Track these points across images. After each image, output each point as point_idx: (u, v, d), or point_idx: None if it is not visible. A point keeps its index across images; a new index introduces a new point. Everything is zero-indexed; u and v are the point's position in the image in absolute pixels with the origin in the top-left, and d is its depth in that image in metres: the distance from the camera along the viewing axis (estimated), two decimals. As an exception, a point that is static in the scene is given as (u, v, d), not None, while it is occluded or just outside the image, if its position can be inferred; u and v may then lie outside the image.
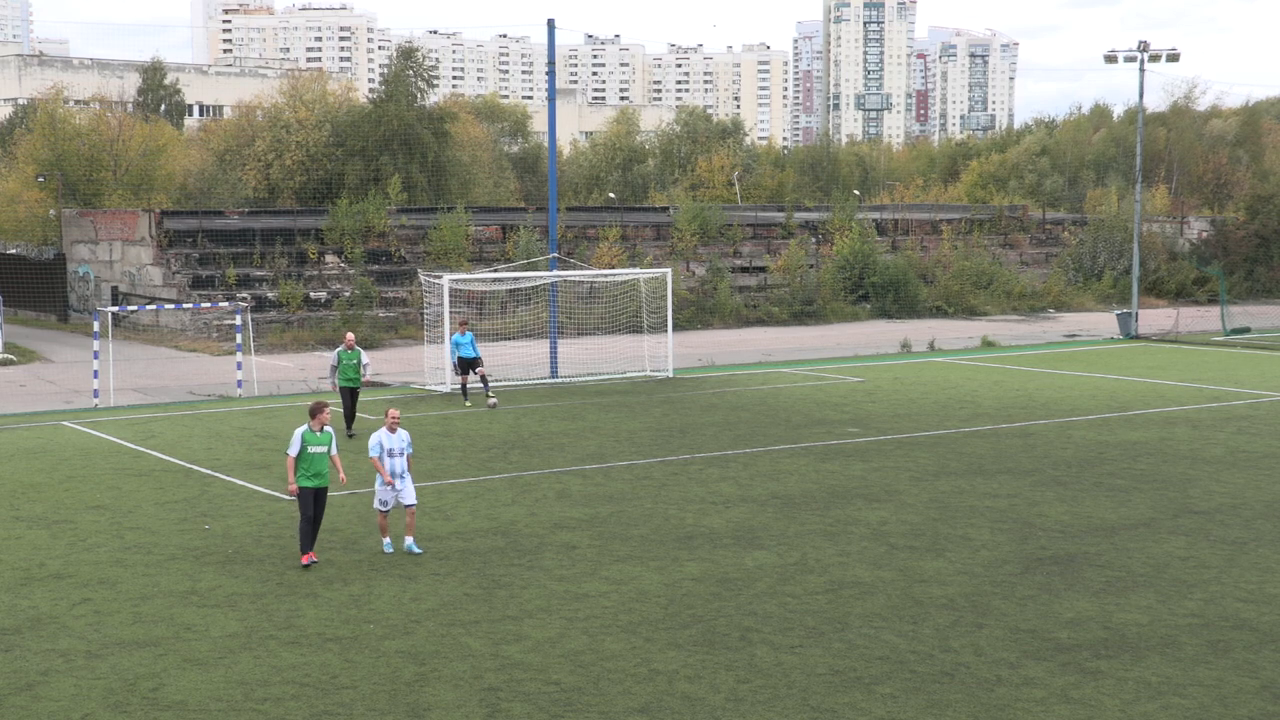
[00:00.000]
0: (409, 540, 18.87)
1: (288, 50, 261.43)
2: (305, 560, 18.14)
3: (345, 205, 56.72)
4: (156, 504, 22.36)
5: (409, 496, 18.89)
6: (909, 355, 46.11)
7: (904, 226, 71.12)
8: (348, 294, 52.49)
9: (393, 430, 18.90)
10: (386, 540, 19.05)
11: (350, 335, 30.05)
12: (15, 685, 13.84)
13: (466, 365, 33.95)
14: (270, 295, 52.01)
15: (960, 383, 38.11)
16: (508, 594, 16.96)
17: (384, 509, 18.95)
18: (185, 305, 46.13)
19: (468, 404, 33.81)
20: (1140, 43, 53.56)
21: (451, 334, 35.12)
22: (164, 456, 26.81)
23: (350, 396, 29.11)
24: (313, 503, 18.20)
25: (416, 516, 19.37)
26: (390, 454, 18.81)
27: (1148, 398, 35.02)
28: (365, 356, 29.58)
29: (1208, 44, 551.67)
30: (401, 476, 18.83)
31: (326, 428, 18.36)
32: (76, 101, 79.97)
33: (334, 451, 18.46)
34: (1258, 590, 17.21)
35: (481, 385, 33.96)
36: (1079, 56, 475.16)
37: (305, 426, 18.24)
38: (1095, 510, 21.68)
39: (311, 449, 18.08)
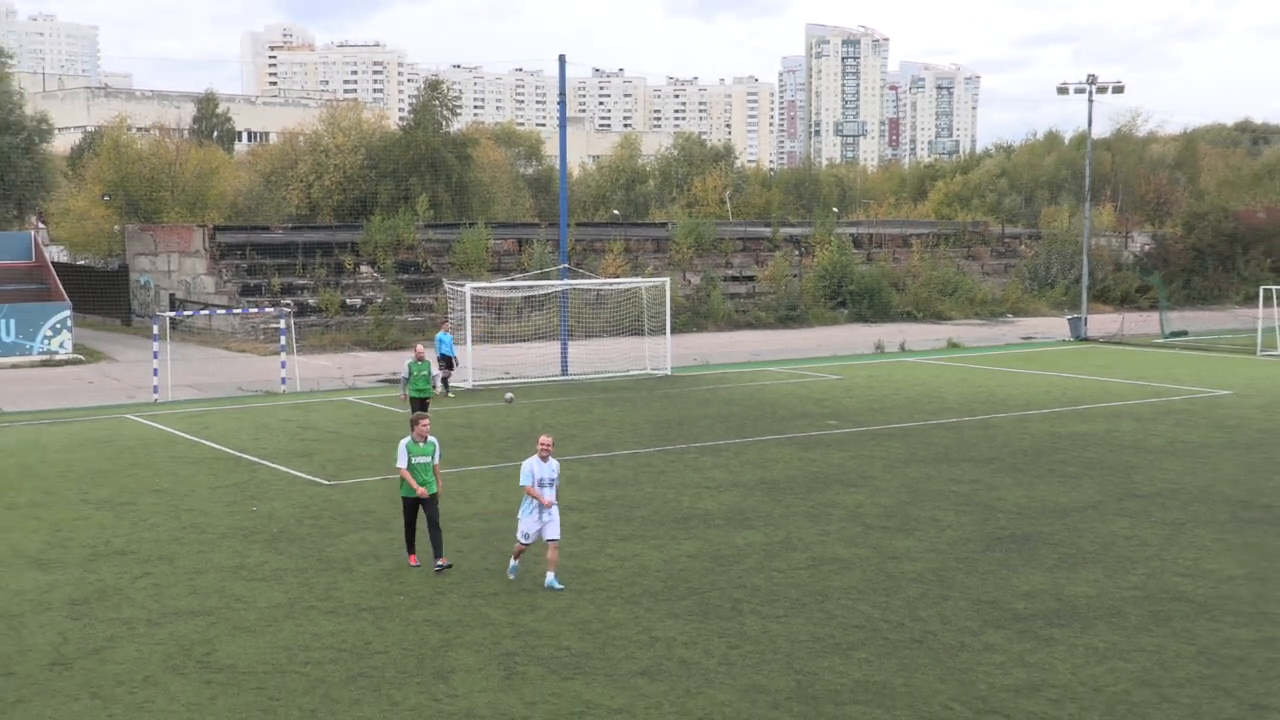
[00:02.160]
0: (550, 576, 16.11)
1: (327, 83, 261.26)
2: (412, 561, 17.03)
3: (378, 221, 56.66)
4: (209, 488, 22.35)
5: (553, 531, 15.98)
6: (882, 355, 46.04)
7: (878, 240, 71.06)
8: (380, 301, 52.44)
9: (545, 459, 16.02)
10: (514, 564, 16.55)
11: (420, 347, 28.08)
12: (84, 650, 13.84)
13: (446, 362, 34.05)
14: (311, 302, 51.96)
15: (928, 380, 38.05)
16: (523, 569, 16.93)
17: (525, 542, 16.20)
18: (235, 310, 46.11)
19: (450, 395, 34.01)
20: (1089, 76, 53.52)
21: (438, 332, 35.28)
22: (216, 446, 26.79)
23: (420, 408, 26.86)
24: (415, 510, 16.91)
25: (558, 551, 16.40)
26: (541, 484, 15.94)
27: (1096, 394, 34.97)
28: (433, 368, 27.68)
29: (1156, 77, 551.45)
30: (549, 509, 16.02)
31: (430, 438, 16.99)
32: (138, 129, 79.88)
33: (436, 460, 17.03)
34: (1194, 566, 17.19)
35: (442, 385, 34.00)
36: (1038, 88, 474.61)
37: (408, 438, 16.90)
38: (1049, 494, 21.65)
39: (415, 459, 16.77)
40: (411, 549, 17.12)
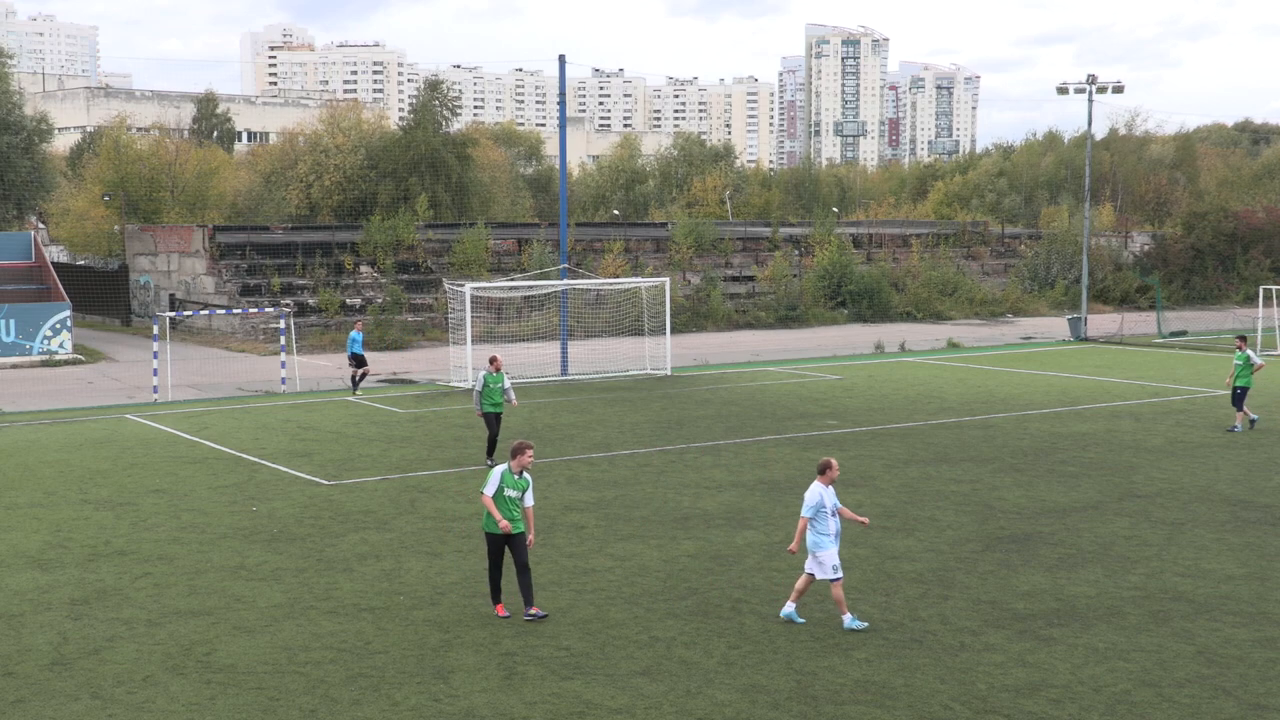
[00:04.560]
0: (848, 618, 14.47)
1: (326, 83, 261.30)
2: (500, 611, 14.84)
3: (378, 221, 56.69)
4: (209, 488, 22.35)
5: (822, 569, 14.53)
6: (882, 355, 46.04)
7: (877, 240, 71.10)
8: (380, 301, 52.44)
9: (828, 484, 14.71)
10: (847, 616, 14.49)
11: (497, 357, 24.96)
12: (84, 650, 13.84)
13: (357, 360, 34.28)
14: (311, 302, 51.97)
15: (928, 380, 38.05)
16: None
17: (838, 576, 14.48)
18: (235, 311, 46.11)
19: (357, 393, 34.34)
20: (1089, 76, 53.52)
21: (351, 331, 35.44)
22: (216, 446, 26.79)
23: (495, 423, 24.37)
24: (501, 549, 14.83)
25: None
26: (827, 513, 14.59)
27: (1095, 394, 34.97)
28: (508, 380, 24.73)
29: (1157, 77, 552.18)
30: (835, 537, 14.60)
31: (526, 472, 14.87)
32: (138, 129, 79.98)
33: (529, 502, 14.84)
34: (1194, 566, 17.19)
35: (353, 383, 34.25)
36: (1039, 88, 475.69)
37: (505, 466, 14.75)
38: (1048, 494, 21.65)
39: (508, 492, 14.61)
40: (497, 597, 14.96)
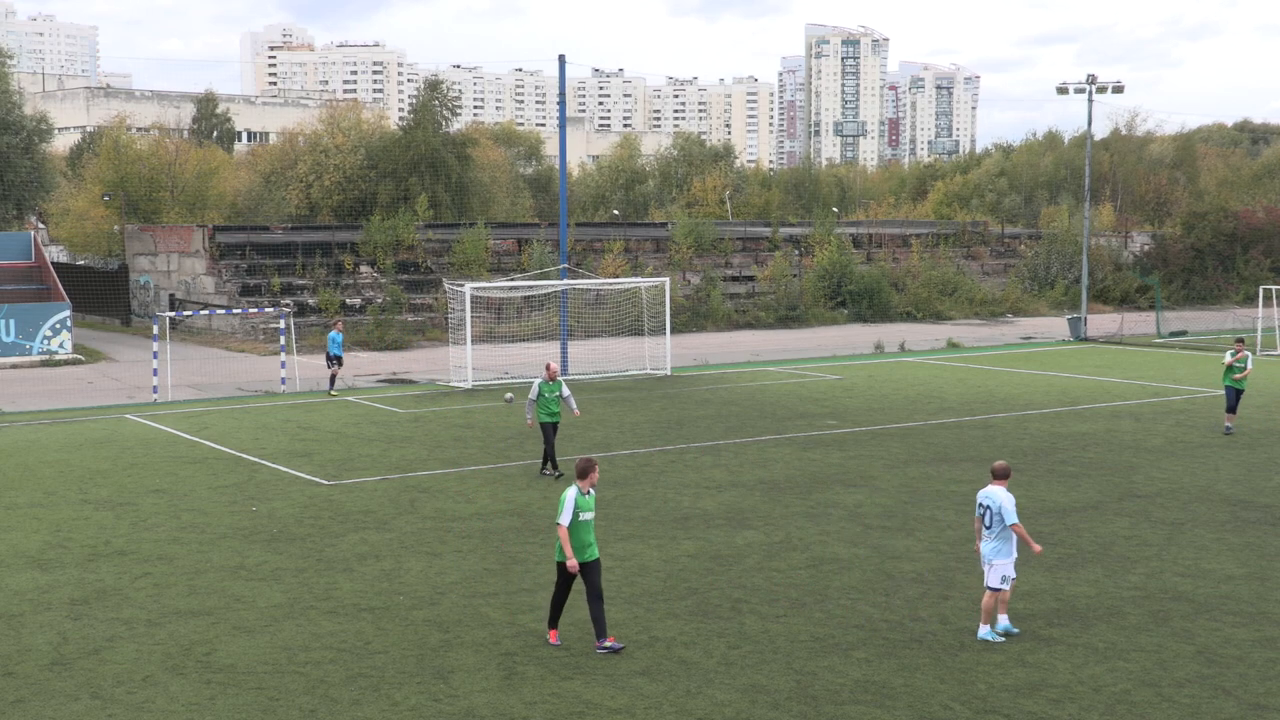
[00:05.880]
0: (1004, 620, 14.32)
1: (326, 83, 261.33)
2: (553, 638, 13.91)
3: (378, 221, 56.67)
4: (209, 488, 22.35)
5: (988, 577, 14.18)
6: (882, 355, 46.04)
7: (877, 240, 71.08)
8: (380, 301, 52.45)
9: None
10: (1004, 620, 14.31)
11: (553, 365, 23.69)
12: (84, 650, 13.84)
13: (337, 361, 34.50)
14: (311, 302, 51.96)
15: (928, 380, 38.05)
16: (523, 569, 16.94)
17: (1002, 588, 14.12)
18: (235, 311, 46.10)
19: (333, 394, 34.46)
20: (1089, 76, 53.53)
21: (330, 331, 35.50)
22: (216, 446, 26.79)
23: (552, 433, 23.16)
24: (572, 578, 13.77)
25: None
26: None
27: (1095, 394, 34.97)
28: (566, 388, 23.44)
29: (1158, 77, 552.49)
30: (1013, 548, 14.13)
31: (593, 490, 14.07)
32: (138, 129, 79.94)
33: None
34: (1194, 566, 17.19)
35: (329, 383, 34.59)
36: (1040, 88, 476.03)
37: (575, 489, 13.74)
38: (1048, 494, 21.65)
39: (583, 516, 13.73)
40: (554, 623, 14.01)
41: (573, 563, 13.51)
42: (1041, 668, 13.27)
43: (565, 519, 13.58)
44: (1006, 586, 14.10)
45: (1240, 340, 29.44)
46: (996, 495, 14.10)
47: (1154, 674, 13.11)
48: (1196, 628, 14.57)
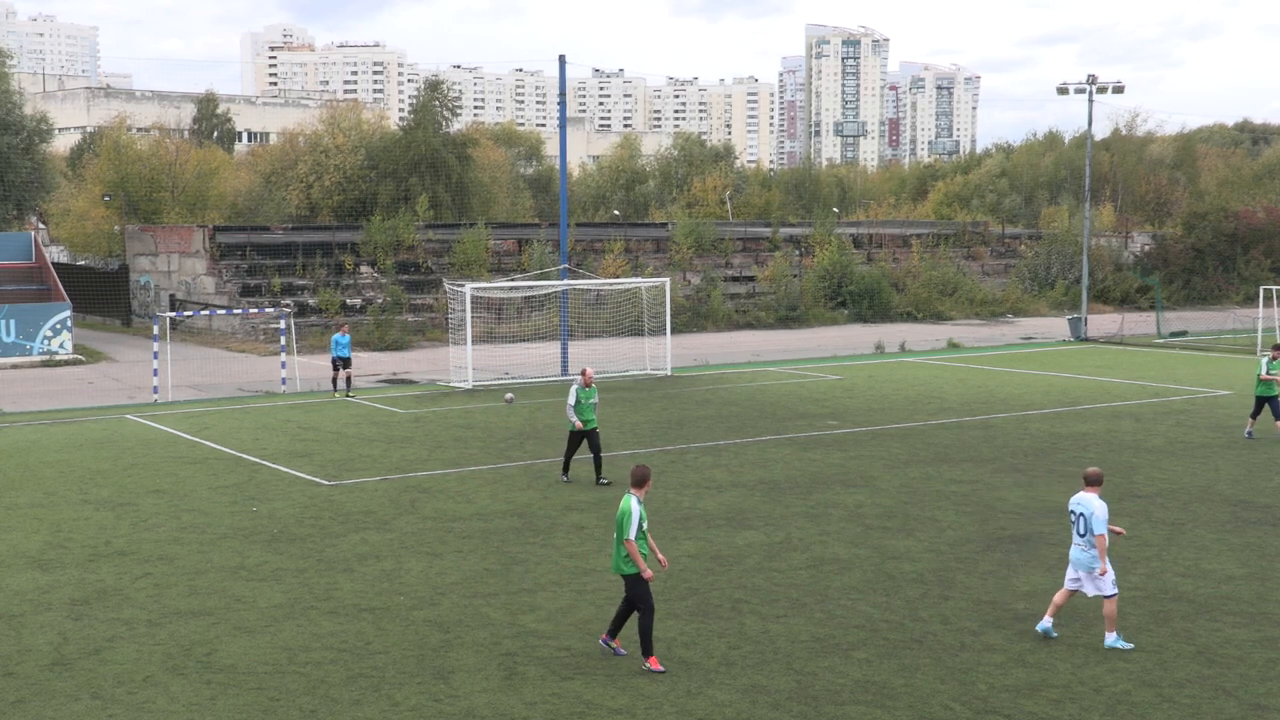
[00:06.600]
0: (1111, 636, 13.93)
1: (327, 83, 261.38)
2: (654, 665, 13.20)
3: (378, 221, 56.68)
4: (209, 489, 22.35)
5: (1100, 586, 13.88)
6: (882, 355, 46.04)
7: (878, 240, 71.08)
8: (380, 301, 52.46)
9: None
10: (1048, 621, 14.22)
11: (588, 370, 23.02)
12: (84, 650, 13.84)
13: (343, 363, 34.44)
14: (311, 302, 51.98)
15: (928, 380, 38.05)
16: (523, 569, 16.95)
17: (1114, 591, 13.90)
18: (235, 311, 46.11)
19: (337, 395, 34.43)
20: (1089, 76, 53.52)
21: (335, 334, 35.35)
22: (216, 446, 26.79)
23: (592, 439, 22.74)
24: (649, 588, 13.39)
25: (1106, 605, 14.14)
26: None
27: (1096, 394, 34.97)
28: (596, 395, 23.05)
29: (1159, 77, 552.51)
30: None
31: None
32: (138, 129, 79.94)
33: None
34: (1194, 566, 17.19)
35: (345, 385, 34.53)
36: (1041, 88, 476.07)
37: (635, 499, 13.35)
38: (1049, 494, 21.65)
39: (644, 525, 13.48)
40: (615, 631, 13.73)
41: (649, 573, 13.25)
42: (1042, 668, 13.27)
43: (634, 533, 13.21)
44: (1117, 590, 13.87)
45: (1277, 346, 27.83)
46: (1089, 502, 13.86)
47: (1154, 674, 13.11)
48: (1197, 628, 14.57)
